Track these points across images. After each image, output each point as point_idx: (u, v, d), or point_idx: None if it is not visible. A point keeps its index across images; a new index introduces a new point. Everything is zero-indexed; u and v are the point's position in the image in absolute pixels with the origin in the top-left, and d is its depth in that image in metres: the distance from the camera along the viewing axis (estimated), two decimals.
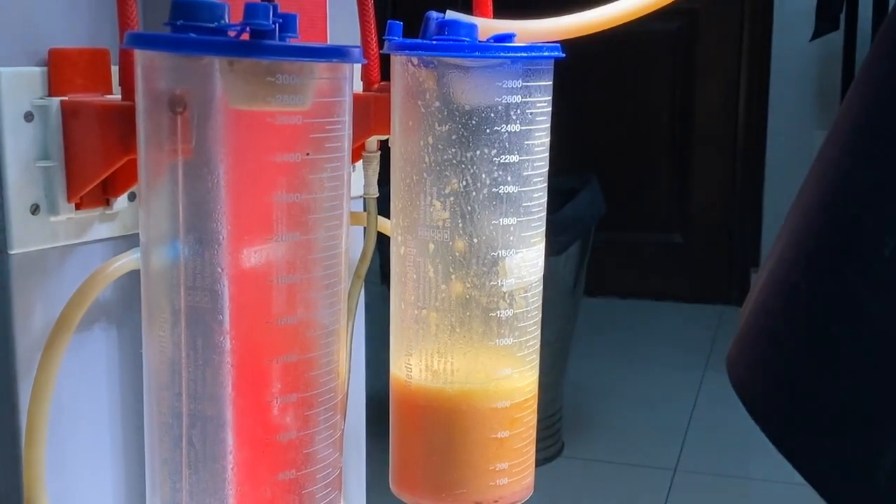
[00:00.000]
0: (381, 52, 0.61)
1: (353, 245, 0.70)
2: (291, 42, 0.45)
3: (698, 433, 1.94)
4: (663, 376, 2.25)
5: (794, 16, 2.66)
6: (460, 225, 0.55)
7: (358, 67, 0.65)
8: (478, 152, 0.54)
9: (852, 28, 2.42)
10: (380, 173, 0.68)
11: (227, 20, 0.43)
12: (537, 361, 0.59)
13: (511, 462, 0.58)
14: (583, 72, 2.48)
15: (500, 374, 0.57)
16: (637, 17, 0.57)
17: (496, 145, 0.54)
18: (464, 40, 0.54)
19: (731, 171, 2.82)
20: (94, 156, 0.54)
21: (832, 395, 0.36)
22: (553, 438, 1.83)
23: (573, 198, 1.77)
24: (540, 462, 2.02)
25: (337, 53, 0.46)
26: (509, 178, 0.55)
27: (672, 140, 2.84)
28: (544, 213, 0.58)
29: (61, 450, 0.58)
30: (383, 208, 0.64)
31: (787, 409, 0.37)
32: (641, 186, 2.87)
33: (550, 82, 0.56)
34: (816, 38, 2.40)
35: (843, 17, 2.41)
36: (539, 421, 0.61)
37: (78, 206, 0.56)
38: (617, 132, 2.87)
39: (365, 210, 0.69)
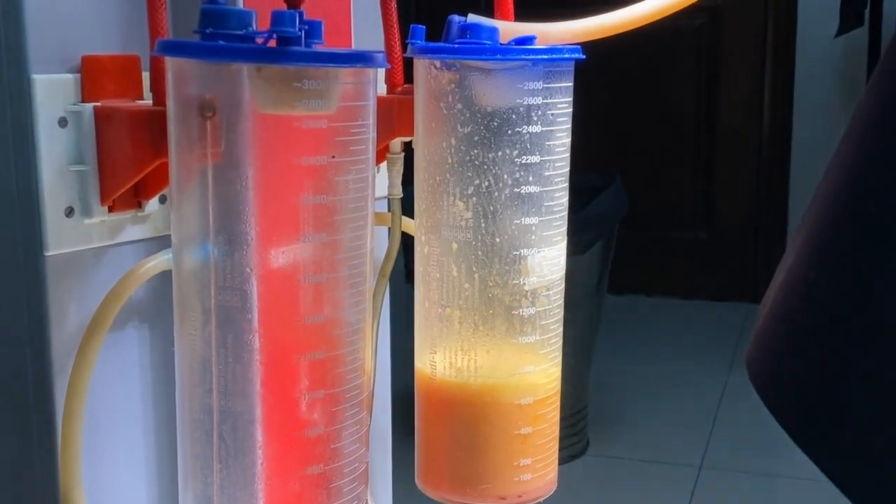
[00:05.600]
0: (404, 55, 0.62)
1: (378, 245, 0.71)
2: (317, 48, 0.46)
3: (723, 430, 1.94)
4: (688, 374, 2.24)
5: (818, 12, 2.64)
6: (483, 225, 0.56)
7: (382, 71, 0.66)
8: (500, 153, 0.55)
9: (877, 24, 2.41)
10: (403, 174, 0.69)
11: (254, 27, 0.45)
12: (560, 358, 0.60)
13: (535, 458, 0.59)
14: (606, 69, 2.48)
15: (523, 370, 0.58)
16: (656, 19, 0.58)
17: (518, 146, 0.55)
18: (485, 43, 0.55)
19: (756, 167, 2.81)
20: (127, 160, 0.55)
21: (850, 390, 0.36)
22: (578, 436, 1.84)
23: (597, 196, 1.77)
24: (565, 459, 2.01)
25: (361, 58, 0.47)
26: (531, 179, 0.56)
27: (697, 137, 2.84)
28: (566, 213, 0.58)
29: (96, 445, 0.59)
30: (407, 209, 0.65)
31: (805, 404, 0.38)
32: (666, 184, 2.86)
33: (571, 83, 0.57)
34: (841, 34, 2.39)
35: (867, 13, 2.40)
36: (564, 418, 0.62)
37: (111, 209, 0.57)
38: (641, 130, 2.86)
39: (389, 210, 0.70)
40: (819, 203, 0.40)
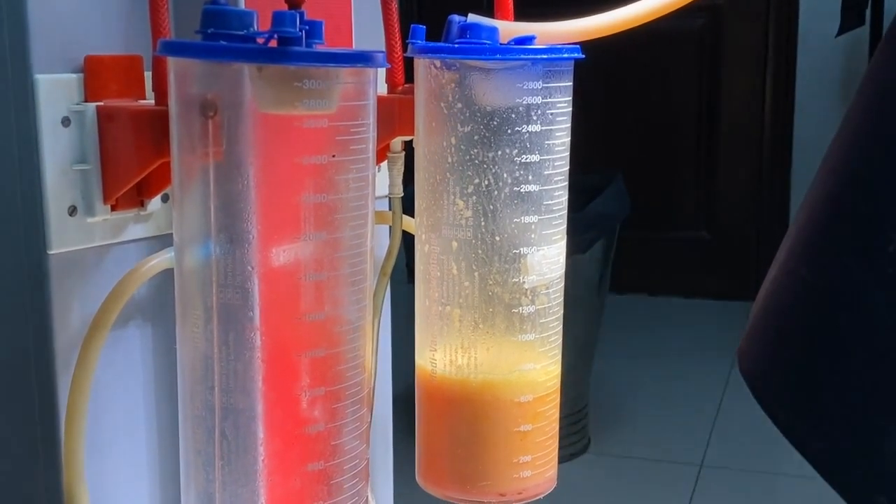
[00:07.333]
0: (404, 55, 0.62)
1: (379, 243, 0.72)
2: (318, 48, 0.46)
3: (724, 429, 1.94)
4: (690, 372, 2.25)
5: (819, 11, 2.65)
6: (483, 223, 0.56)
7: (382, 71, 0.66)
8: (499, 152, 0.56)
9: (878, 23, 2.41)
10: (404, 173, 0.69)
11: (255, 28, 0.45)
12: (559, 356, 0.61)
13: (534, 455, 0.59)
14: (608, 69, 2.48)
15: (523, 368, 0.58)
16: (655, 17, 0.58)
17: (517, 145, 0.56)
18: (485, 43, 0.55)
19: (758, 167, 2.81)
20: (129, 159, 0.56)
21: (839, 384, 0.37)
22: (580, 434, 1.84)
23: (599, 196, 1.77)
24: (566, 458, 2.01)
25: (361, 58, 0.47)
26: (530, 177, 0.56)
27: (699, 137, 2.84)
28: (565, 211, 0.59)
29: (99, 442, 0.60)
30: (408, 208, 0.65)
31: (795, 397, 0.38)
32: (668, 183, 2.86)
33: (570, 83, 0.57)
34: (842, 33, 2.39)
35: (868, 12, 2.40)
36: (565, 417, 0.62)
37: (113, 208, 0.58)
38: (643, 129, 2.87)
39: (390, 209, 0.70)
40: (810, 201, 0.40)
